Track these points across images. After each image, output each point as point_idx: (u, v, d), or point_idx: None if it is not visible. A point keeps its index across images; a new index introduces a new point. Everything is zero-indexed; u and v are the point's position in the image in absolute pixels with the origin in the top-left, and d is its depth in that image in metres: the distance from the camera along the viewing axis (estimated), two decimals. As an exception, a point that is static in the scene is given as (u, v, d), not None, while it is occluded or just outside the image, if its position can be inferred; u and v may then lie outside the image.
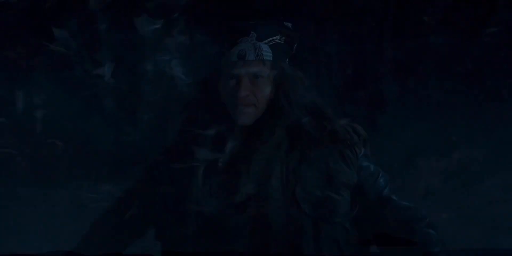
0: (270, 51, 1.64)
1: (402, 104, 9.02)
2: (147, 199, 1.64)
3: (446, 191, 7.46)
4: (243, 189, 1.48)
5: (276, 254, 1.42)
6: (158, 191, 1.62)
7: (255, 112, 1.66)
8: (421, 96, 9.66)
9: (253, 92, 1.65)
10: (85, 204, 7.41)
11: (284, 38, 1.67)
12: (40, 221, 6.60)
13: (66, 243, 5.94)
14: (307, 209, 1.48)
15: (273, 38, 1.65)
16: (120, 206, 1.78)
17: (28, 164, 8.61)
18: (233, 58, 1.66)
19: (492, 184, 6.95)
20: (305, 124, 1.59)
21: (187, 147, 1.62)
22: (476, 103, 9.12)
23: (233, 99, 1.66)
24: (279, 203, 1.47)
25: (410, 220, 1.55)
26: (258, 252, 1.43)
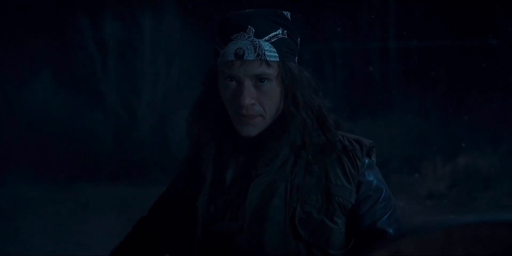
0: (274, 49, 1.40)
1: (408, 107, 9.03)
2: (165, 216, 1.55)
3: (452, 196, 7.47)
4: (245, 210, 1.39)
5: None
6: (169, 204, 1.54)
7: (262, 123, 1.44)
8: (428, 99, 9.70)
9: (259, 100, 1.42)
10: (88, 204, 7.41)
11: (286, 31, 1.43)
12: (44, 221, 6.63)
13: (70, 243, 5.93)
14: (303, 233, 1.37)
15: (274, 33, 1.41)
16: (145, 225, 1.67)
17: (31, 164, 8.59)
18: (230, 57, 1.40)
19: (500, 190, 6.94)
20: (309, 129, 1.44)
21: (194, 163, 1.50)
22: (485, 108, 9.13)
23: (235, 107, 1.42)
24: (277, 227, 1.37)
25: None
26: None
